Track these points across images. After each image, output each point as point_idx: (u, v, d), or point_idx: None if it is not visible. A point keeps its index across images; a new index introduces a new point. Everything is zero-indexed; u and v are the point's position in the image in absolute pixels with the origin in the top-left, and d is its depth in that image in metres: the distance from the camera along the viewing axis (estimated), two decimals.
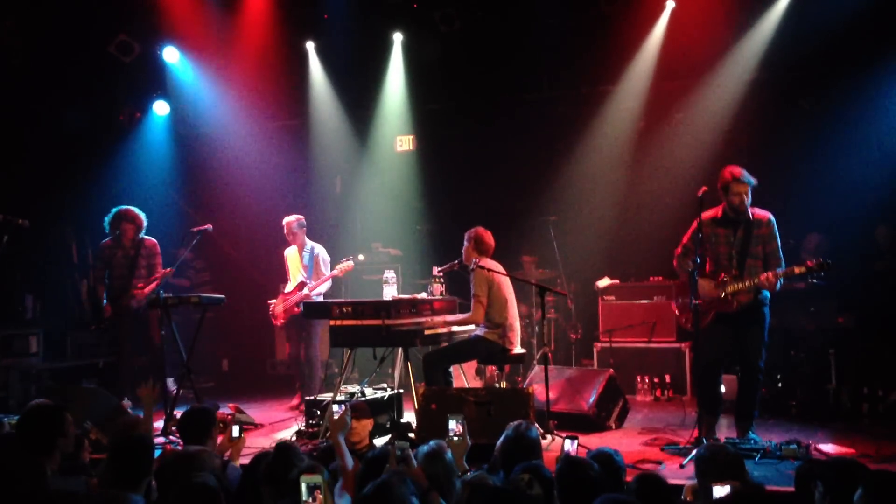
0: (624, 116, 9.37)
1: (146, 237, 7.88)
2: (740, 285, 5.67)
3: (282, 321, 8.19)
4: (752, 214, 5.78)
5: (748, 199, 5.73)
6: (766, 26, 8.53)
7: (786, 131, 8.44)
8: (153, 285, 7.66)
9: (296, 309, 7.93)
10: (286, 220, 8.26)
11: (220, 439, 4.71)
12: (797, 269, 5.54)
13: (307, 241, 8.28)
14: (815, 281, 7.22)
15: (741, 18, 8.59)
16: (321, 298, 8.10)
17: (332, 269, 8.03)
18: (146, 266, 7.81)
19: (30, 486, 3.50)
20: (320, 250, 8.26)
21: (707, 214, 5.89)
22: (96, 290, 7.97)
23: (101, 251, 7.91)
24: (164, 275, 7.66)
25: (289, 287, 8.23)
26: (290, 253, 8.34)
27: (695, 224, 5.82)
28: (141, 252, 7.79)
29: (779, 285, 5.65)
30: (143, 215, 7.86)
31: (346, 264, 7.84)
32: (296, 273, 8.23)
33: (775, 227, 5.80)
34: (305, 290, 7.96)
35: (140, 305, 7.74)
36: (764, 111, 8.54)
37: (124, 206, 7.85)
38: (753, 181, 5.74)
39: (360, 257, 9.41)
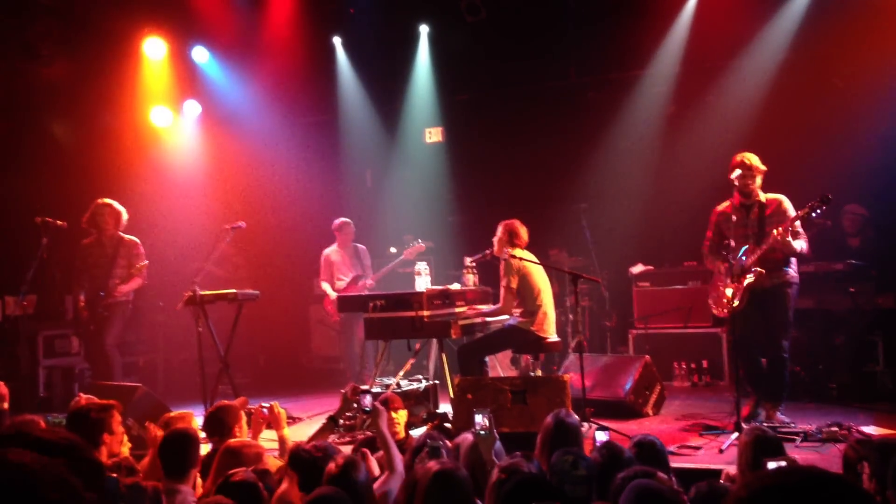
0: (653, 101, 9.30)
1: (128, 236, 7.38)
2: (759, 252, 5.77)
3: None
4: (765, 198, 5.97)
5: (758, 182, 5.94)
6: (795, 5, 8.42)
7: (820, 111, 8.30)
8: (133, 283, 7.27)
9: None
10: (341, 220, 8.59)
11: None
12: (801, 213, 5.63)
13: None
14: (854, 261, 7.19)
15: None
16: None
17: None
18: (125, 266, 7.25)
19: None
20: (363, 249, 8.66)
21: (720, 207, 6.16)
22: (72, 291, 7.45)
23: (80, 250, 7.38)
24: (142, 268, 7.25)
25: (340, 284, 8.45)
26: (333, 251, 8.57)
27: (714, 216, 6.15)
28: (120, 251, 7.28)
29: (800, 246, 5.74)
30: (123, 210, 7.34)
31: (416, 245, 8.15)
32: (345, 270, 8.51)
33: (788, 205, 5.91)
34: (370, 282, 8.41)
35: (119, 303, 7.23)
36: (796, 92, 8.40)
37: (104, 199, 7.35)
38: (763, 167, 5.95)
39: (393, 250, 9.45)
